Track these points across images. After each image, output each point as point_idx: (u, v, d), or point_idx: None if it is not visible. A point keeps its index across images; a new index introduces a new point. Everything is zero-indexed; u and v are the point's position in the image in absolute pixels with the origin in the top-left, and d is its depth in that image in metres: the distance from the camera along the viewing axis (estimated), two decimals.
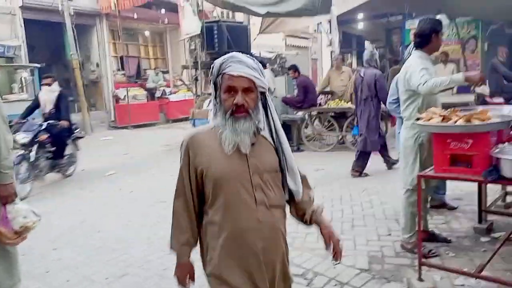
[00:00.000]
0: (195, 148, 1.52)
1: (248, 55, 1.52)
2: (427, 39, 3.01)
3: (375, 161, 6.61)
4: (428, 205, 3.81)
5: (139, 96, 13.09)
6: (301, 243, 3.59)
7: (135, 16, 13.26)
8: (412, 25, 9.49)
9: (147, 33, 15.72)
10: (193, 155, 1.52)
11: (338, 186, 5.35)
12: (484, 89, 5.93)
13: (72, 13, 11.31)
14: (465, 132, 2.48)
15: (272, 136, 1.56)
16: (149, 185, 5.99)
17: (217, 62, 1.51)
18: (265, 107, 1.56)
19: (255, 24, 11.44)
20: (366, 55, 5.79)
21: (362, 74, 5.79)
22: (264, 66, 8.25)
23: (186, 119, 11.20)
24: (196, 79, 9.47)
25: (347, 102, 7.77)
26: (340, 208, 4.48)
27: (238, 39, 9.47)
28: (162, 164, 7.44)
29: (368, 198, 4.72)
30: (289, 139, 8.00)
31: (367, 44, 5.91)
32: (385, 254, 3.28)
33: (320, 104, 7.99)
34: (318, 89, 8.48)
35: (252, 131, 1.48)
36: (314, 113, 8.08)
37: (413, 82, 2.88)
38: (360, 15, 12.05)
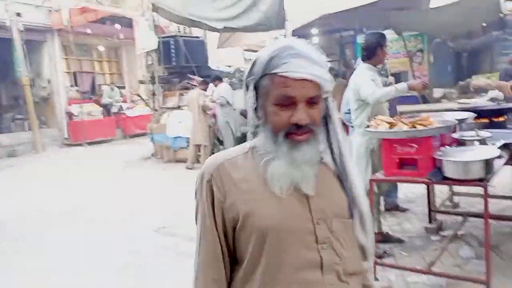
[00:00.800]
0: (225, 184, 0.99)
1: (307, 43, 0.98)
2: (372, 52, 3.21)
3: None
4: (382, 208, 4.00)
5: (94, 112, 12.72)
6: None
7: (89, 32, 12.97)
8: (363, 39, 10.00)
9: (101, 48, 15.38)
10: (221, 195, 0.99)
11: None
12: (498, 94, 6.21)
13: (22, 29, 10.88)
14: (410, 137, 2.65)
15: (335, 161, 1.03)
16: (105, 203, 5.82)
17: (263, 54, 0.96)
18: (325, 117, 1.02)
19: (212, 38, 11.55)
20: None
21: None
22: (220, 80, 8.33)
23: (144, 134, 11.01)
24: (154, 94, 9.37)
25: None
26: None
27: (196, 54, 9.51)
28: (120, 180, 7.26)
29: None
30: None
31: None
32: None
33: None
34: None
35: (317, 160, 0.99)
36: None
37: (362, 92, 3.06)
38: (315, 30, 12.49)
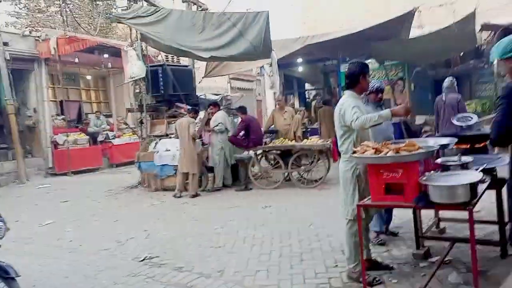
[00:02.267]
0: None
1: None
2: (355, 81, 3.31)
3: (321, 194, 6.85)
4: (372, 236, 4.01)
5: (80, 140, 12.59)
6: (252, 281, 3.57)
7: (77, 61, 13.03)
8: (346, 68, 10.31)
9: (89, 77, 15.43)
10: None
11: (286, 222, 5.44)
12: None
13: (8, 58, 10.89)
14: (396, 162, 2.71)
15: None
16: (91, 233, 5.69)
17: None
18: None
19: (200, 67, 11.73)
20: (446, 83, 6.96)
21: (443, 98, 6.87)
22: (218, 107, 8.41)
23: (131, 163, 10.90)
24: (142, 122, 9.37)
25: (291, 140, 8.07)
26: (288, 243, 4.54)
27: (184, 82, 9.63)
28: (105, 210, 7.12)
29: (315, 232, 4.84)
30: (238, 178, 8.19)
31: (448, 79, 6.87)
32: (333, 285, 3.36)
33: (265, 143, 8.21)
34: (263, 128, 8.75)
35: None
36: (260, 151, 8.27)
37: (346, 119, 3.14)
38: (300, 59, 12.82)
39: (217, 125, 8.01)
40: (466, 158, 2.92)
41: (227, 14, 7.37)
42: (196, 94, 10.66)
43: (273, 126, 8.72)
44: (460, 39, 9.08)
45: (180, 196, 7.67)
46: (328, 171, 7.67)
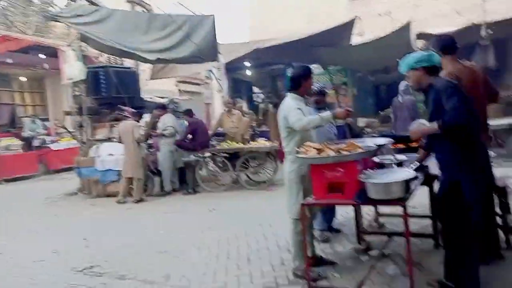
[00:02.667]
0: None
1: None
2: (298, 83, 3.40)
3: (269, 195, 6.93)
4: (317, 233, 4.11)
5: (13, 146, 11.71)
6: (198, 285, 3.52)
7: (10, 61, 12.14)
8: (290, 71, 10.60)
9: (23, 78, 14.44)
10: None
11: (233, 224, 5.43)
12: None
13: None
14: (337, 162, 2.80)
15: None
16: (26, 245, 5.30)
17: None
18: None
19: (145, 70, 11.42)
20: (402, 86, 7.32)
21: (401, 100, 7.34)
22: (166, 110, 8.21)
23: (70, 168, 10.32)
24: (81, 126, 8.90)
25: (239, 143, 8.09)
26: (236, 245, 4.53)
27: (128, 85, 9.29)
28: (42, 219, 6.68)
29: (262, 232, 4.87)
30: (185, 181, 8.05)
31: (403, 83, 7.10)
32: (279, 283, 3.40)
33: (213, 146, 8.15)
34: (211, 132, 8.69)
35: None
36: (207, 154, 8.20)
37: (289, 120, 3.21)
38: (248, 63, 12.92)
39: (165, 129, 7.82)
40: (400, 157, 3.10)
41: (172, 16, 7.25)
42: (141, 97, 10.35)
43: (221, 129, 8.69)
44: (397, 46, 9.63)
45: (124, 202, 7.39)
46: (276, 172, 7.79)
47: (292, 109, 3.22)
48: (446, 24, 11.18)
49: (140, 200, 7.41)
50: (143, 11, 9.66)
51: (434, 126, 2.62)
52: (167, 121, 7.89)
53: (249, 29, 18.54)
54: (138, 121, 7.79)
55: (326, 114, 3.20)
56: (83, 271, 4.10)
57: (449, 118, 2.51)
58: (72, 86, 8.95)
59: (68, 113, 10.68)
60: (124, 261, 4.32)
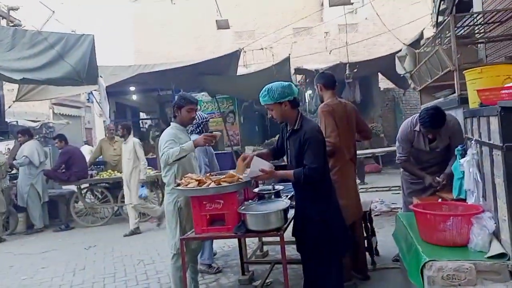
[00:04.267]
0: None
1: None
2: (176, 112, 3.34)
3: (154, 227, 6.58)
4: (199, 266, 3.98)
5: None
6: None
7: None
8: None
9: None
10: None
11: (112, 261, 4.97)
12: None
13: None
14: (216, 193, 2.76)
15: None
16: None
17: None
18: None
19: (13, 89, 10.08)
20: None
21: None
22: (31, 137, 7.25)
23: None
24: None
25: (121, 172, 7.57)
26: (113, 286, 4.14)
27: None
28: None
29: (143, 270, 4.56)
30: (56, 216, 7.17)
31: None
32: None
33: (91, 176, 7.48)
34: (89, 160, 7.98)
35: None
36: (85, 185, 7.47)
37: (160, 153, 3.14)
38: (133, 88, 12.38)
39: (19, 159, 6.91)
40: (278, 186, 3.21)
41: (43, 33, 6.57)
42: (6, 120, 9.08)
43: (101, 157, 8.03)
44: (279, 78, 10.29)
45: None
46: (162, 202, 7.46)
47: (164, 141, 3.15)
48: (320, 62, 12.45)
49: None
50: (9, 25, 8.59)
51: (289, 174, 2.66)
52: (24, 150, 6.98)
53: (134, 53, 17.98)
54: None
55: (187, 144, 3.15)
56: None
57: (306, 174, 2.56)
58: None
59: None
60: None
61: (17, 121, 10.10)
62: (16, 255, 5.67)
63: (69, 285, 4.25)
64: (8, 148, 7.64)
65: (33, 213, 7.00)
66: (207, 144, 3.22)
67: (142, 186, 6.39)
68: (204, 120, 4.17)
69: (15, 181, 7.33)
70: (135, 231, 6.27)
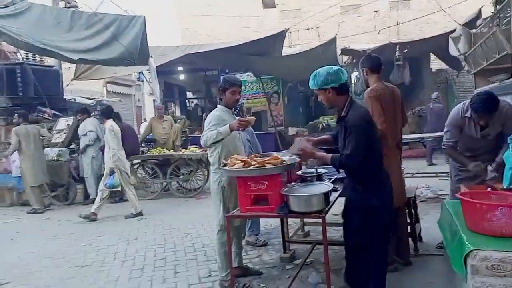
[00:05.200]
0: None
1: None
2: (221, 94, 3.43)
3: (199, 203, 6.87)
4: (244, 242, 4.17)
5: None
6: None
7: None
8: None
9: None
10: None
11: (161, 233, 5.31)
12: None
13: None
14: (261, 175, 2.87)
15: None
16: None
17: None
18: None
19: (70, 68, 10.71)
20: (433, 95, 9.79)
21: (431, 107, 9.51)
22: (88, 114, 7.73)
23: None
24: None
25: (170, 150, 7.93)
26: (163, 256, 4.44)
27: (48, 84, 8.69)
28: None
29: (191, 242, 4.83)
30: None
31: (435, 93, 9.83)
32: None
33: (143, 152, 7.89)
34: (140, 137, 8.40)
35: None
36: (136, 161, 7.91)
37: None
38: (180, 68, 12.72)
39: (85, 134, 7.39)
40: (321, 170, 3.26)
41: (99, 15, 6.89)
42: (64, 97, 9.71)
43: (151, 134, 8.43)
44: (324, 60, 10.14)
45: (42, 212, 6.88)
46: (207, 180, 7.75)
47: (208, 123, 3.28)
48: (368, 41, 12.04)
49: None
50: (67, 6, 9.06)
51: (327, 158, 2.70)
52: (87, 126, 7.45)
53: (181, 32, 18.27)
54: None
55: (223, 128, 3.22)
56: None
57: (341, 161, 2.59)
58: None
59: None
60: (34, 276, 4.02)
61: (74, 99, 10.73)
62: (75, 224, 6.18)
63: (124, 254, 4.60)
64: (68, 124, 8.18)
65: (91, 185, 7.54)
66: (240, 129, 3.28)
67: (111, 175, 6.18)
68: (240, 104, 4.25)
69: (73, 155, 7.90)
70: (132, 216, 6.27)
